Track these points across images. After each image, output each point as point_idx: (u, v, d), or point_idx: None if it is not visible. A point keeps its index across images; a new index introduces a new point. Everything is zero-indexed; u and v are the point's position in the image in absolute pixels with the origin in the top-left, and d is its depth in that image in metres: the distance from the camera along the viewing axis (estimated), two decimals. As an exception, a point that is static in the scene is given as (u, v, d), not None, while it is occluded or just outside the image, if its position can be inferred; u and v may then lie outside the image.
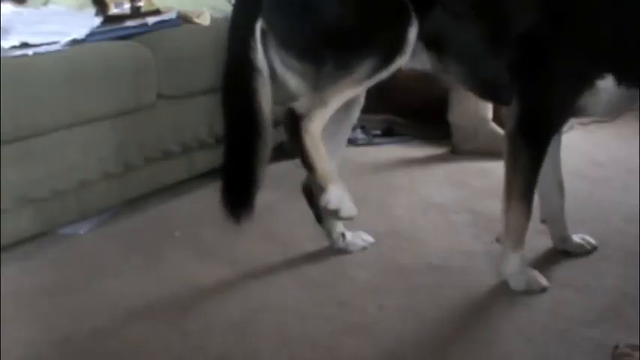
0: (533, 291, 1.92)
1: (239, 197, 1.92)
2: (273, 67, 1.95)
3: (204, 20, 2.82)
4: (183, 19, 2.77)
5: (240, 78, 1.93)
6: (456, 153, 3.20)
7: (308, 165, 1.84)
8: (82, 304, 1.94)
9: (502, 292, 1.94)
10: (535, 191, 1.97)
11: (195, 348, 1.72)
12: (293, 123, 1.83)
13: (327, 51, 1.85)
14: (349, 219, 1.86)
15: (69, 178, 2.28)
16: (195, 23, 2.80)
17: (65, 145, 2.27)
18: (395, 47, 1.85)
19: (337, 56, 1.84)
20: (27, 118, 2.15)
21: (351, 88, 1.87)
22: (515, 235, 1.95)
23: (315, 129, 1.82)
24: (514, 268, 1.95)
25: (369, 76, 1.85)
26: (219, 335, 1.77)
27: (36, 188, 2.19)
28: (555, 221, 2.17)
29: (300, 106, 1.84)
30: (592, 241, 2.18)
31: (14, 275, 2.09)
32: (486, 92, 2.06)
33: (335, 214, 1.84)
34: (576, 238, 2.17)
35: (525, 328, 1.77)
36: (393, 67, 1.87)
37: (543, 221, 2.19)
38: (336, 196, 1.81)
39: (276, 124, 3.07)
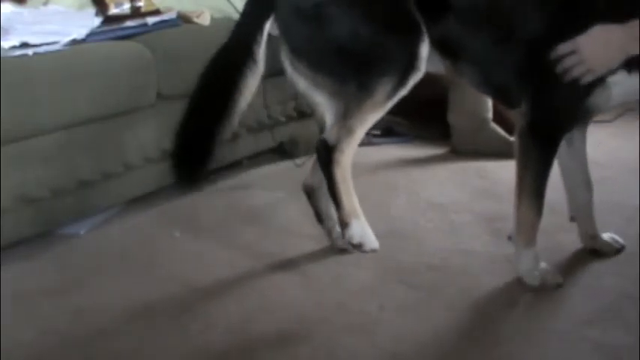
0: (547, 286, 1.93)
1: (192, 161, 1.97)
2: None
3: (204, 20, 2.82)
4: (183, 19, 2.77)
5: (235, 59, 1.96)
6: (456, 153, 3.20)
7: (334, 197, 1.89)
8: (82, 304, 1.94)
9: (502, 292, 1.94)
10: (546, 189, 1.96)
11: (195, 348, 1.72)
12: (326, 154, 1.87)
13: (344, 69, 1.87)
14: (372, 252, 1.89)
15: (69, 178, 2.28)
16: (195, 23, 2.80)
17: (65, 145, 2.27)
18: (409, 65, 1.88)
19: (356, 77, 1.86)
20: (27, 118, 2.16)
21: (375, 112, 1.89)
22: (526, 233, 1.95)
23: (346, 162, 1.88)
24: (528, 264, 1.95)
25: (389, 96, 1.87)
26: (219, 335, 1.77)
27: (36, 188, 2.19)
28: (584, 219, 2.15)
29: (330, 137, 1.88)
30: (620, 240, 2.15)
31: (14, 275, 2.10)
32: (500, 96, 2.06)
33: (358, 248, 1.88)
34: (605, 236, 2.15)
35: (525, 328, 1.76)
36: (409, 85, 1.89)
37: (572, 219, 2.17)
38: (359, 230, 1.88)
39: (275, 123, 3.08)
